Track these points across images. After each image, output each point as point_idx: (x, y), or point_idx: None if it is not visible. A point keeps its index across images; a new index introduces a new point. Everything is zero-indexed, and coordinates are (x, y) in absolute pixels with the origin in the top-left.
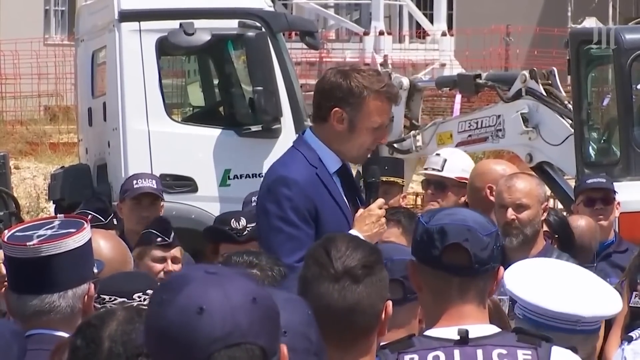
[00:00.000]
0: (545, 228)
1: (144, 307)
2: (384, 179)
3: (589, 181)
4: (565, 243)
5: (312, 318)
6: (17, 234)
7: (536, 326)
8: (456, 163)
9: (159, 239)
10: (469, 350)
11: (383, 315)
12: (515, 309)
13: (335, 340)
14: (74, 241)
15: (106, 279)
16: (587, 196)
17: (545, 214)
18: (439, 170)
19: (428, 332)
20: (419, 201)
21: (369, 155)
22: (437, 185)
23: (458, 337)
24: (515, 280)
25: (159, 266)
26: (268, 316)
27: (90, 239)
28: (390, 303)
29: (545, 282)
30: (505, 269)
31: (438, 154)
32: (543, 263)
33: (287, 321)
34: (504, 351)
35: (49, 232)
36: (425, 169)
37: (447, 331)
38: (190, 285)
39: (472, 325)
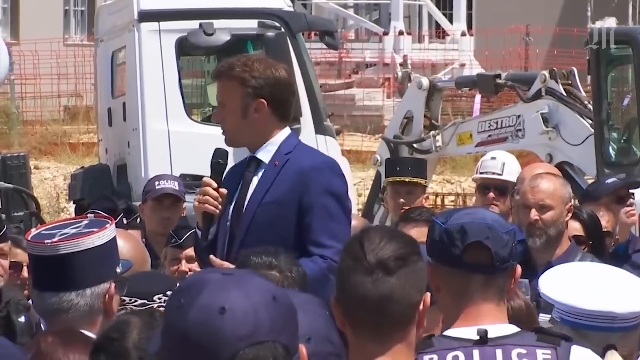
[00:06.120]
0: (580, 232)
1: (158, 309)
2: (407, 179)
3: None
4: (598, 247)
5: (331, 319)
6: (42, 232)
7: (574, 327)
8: (513, 166)
9: (173, 240)
10: (488, 350)
11: (421, 307)
12: (552, 312)
13: (372, 331)
14: (93, 240)
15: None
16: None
17: (569, 215)
18: (499, 174)
19: (447, 332)
20: (438, 201)
21: (230, 137)
22: (498, 188)
23: (477, 337)
24: (550, 285)
25: (173, 268)
26: (288, 314)
27: (113, 239)
28: (428, 295)
29: (579, 283)
30: (529, 270)
31: (494, 158)
32: (575, 267)
33: (310, 326)
34: (523, 351)
35: (73, 230)
36: (482, 172)
37: (466, 331)
38: (209, 287)
39: (491, 325)
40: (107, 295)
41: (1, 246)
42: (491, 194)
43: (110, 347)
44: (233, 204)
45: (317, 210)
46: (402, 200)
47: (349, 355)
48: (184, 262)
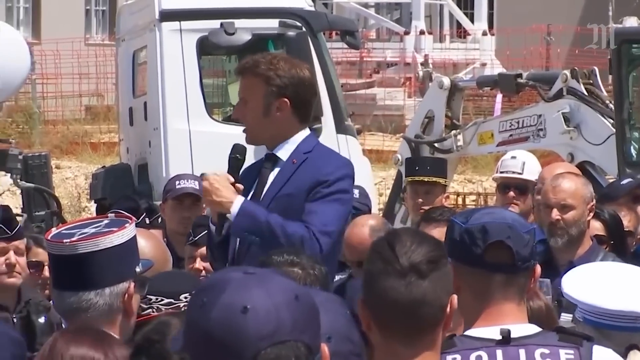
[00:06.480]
0: (601, 232)
1: None
2: (425, 179)
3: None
4: (619, 247)
5: (352, 318)
6: (62, 231)
7: (597, 327)
8: (533, 165)
9: (190, 238)
10: (512, 350)
11: (448, 309)
12: (575, 312)
13: (402, 334)
14: (112, 239)
15: (151, 279)
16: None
17: (591, 214)
18: (519, 173)
19: (469, 332)
20: (460, 201)
21: (250, 135)
22: (518, 188)
23: (500, 337)
24: (573, 285)
25: (189, 266)
26: (310, 314)
27: (133, 238)
28: (455, 297)
29: (602, 283)
30: (551, 270)
31: (514, 157)
32: (597, 267)
33: (331, 325)
34: (546, 351)
35: (93, 230)
36: (502, 172)
37: (488, 331)
38: (231, 286)
39: (512, 325)
40: (126, 295)
41: (16, 244)
42: (511, 193)
43: (151, 349)
44: (249, 199)
45: (318, 198)
46: (420, 199)
47: (376, 357)
48: (198, 259)
